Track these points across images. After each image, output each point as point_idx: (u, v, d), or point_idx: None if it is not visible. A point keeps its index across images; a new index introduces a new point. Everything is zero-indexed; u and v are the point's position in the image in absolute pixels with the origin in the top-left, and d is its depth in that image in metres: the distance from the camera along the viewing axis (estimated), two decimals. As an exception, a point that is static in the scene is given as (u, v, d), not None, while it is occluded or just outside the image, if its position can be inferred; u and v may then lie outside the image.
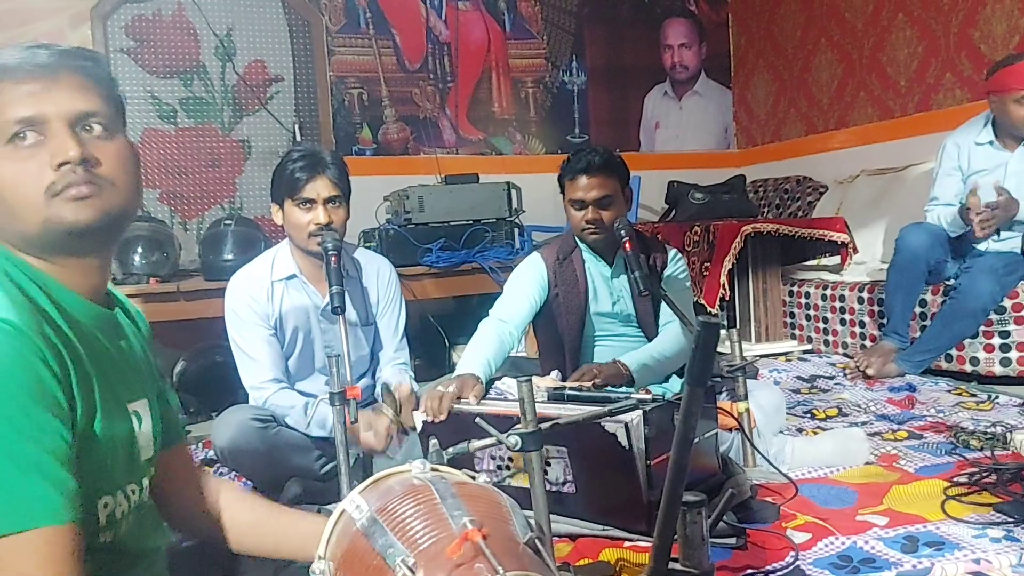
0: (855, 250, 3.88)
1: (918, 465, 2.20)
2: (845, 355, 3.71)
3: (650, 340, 2.46)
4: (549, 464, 1.80)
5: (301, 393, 2.32)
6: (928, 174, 3.61)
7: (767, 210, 5.04)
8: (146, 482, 1.11)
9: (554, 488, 1.80)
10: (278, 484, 2.17)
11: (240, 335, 2.32)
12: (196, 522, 1.26)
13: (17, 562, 0.84)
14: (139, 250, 3.41)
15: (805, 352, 3.92)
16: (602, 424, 1.70)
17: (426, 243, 3.77)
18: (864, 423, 2.68)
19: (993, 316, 3.08)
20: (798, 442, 2.29)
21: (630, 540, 1.75)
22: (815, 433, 2.50)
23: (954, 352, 3.20)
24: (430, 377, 2.49)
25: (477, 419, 1.49)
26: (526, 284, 2.48)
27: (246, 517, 1.25)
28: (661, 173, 5.10)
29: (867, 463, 2.23)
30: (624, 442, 1.69)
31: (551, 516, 1.45)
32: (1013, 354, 3.07)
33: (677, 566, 1.30)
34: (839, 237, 3.85)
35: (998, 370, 3.10)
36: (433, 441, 1.49)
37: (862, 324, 3.65)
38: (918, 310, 3.35)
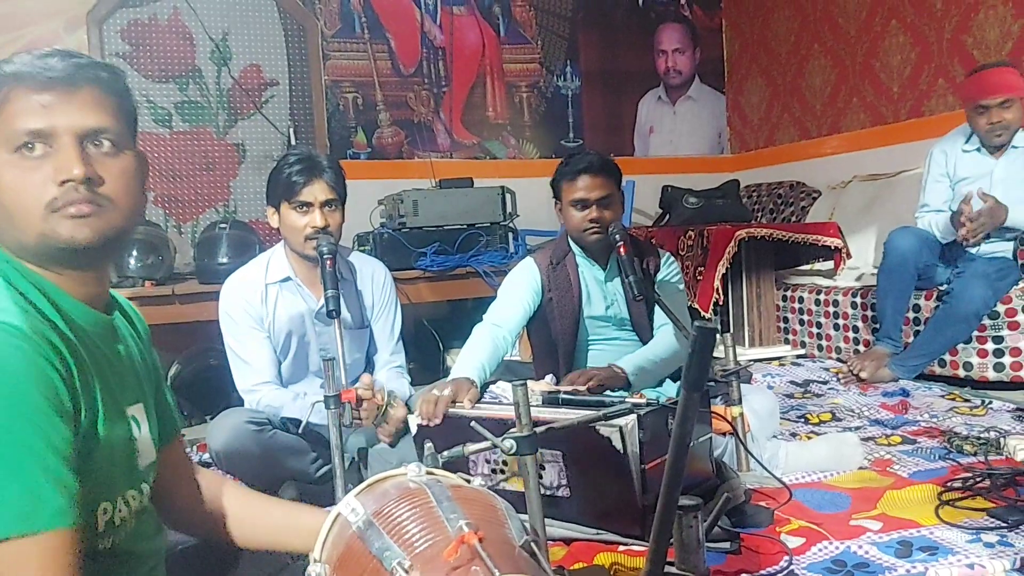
0: (848, 255, 3.88)
1: (912, 470, 2.21)
2: (839, 360, 3.72)
3: (644, 344, 2.46)
4: (544, 468, 1.80)
5: (295, 396, 2.32)
6: (921, 180, 3.63)
7: (761, 215, 5.05)
8: (146, 488, 1.10)
9: (549, 492, 1.80)
10: (273, 487, 2.17)
11: (234, 338, 2.32)
12: (195, 518, 1.25)
13: (25, 563, 0.83)
14: (134, 253, 3.40)
15: (799, 357, 3.93)
16: (597, 428, 1.70)
17: (420, 247, 3.78)
18: (858, 428, 2.68)
19: (986, 321, 3.09)
20: (792, 447, 2.30)
21: (624, 544, 1.75)
22: (809, 438, 2.50)
23: (947, 357, 3.21)
24: (424, 381, 2.48)
25: (472, 423, 1.50)
26: (520, 288, 2.48)
27: (247, 511, 1.25)
28: (655, 178, 5.10)
29: (861, 468, 2.24)
30: (619, 446, 1.68)
31: (546, 520, 1.45)
32: (1006, 359, 3.08)
33: (673, 570, 1.31)
34: (832, 242, 3.86)
35: (991, 375, 3.11)
36: (428, 445, 1.49)
37: (855, 329, 3.66)
38: (911, 316, 3.36)
